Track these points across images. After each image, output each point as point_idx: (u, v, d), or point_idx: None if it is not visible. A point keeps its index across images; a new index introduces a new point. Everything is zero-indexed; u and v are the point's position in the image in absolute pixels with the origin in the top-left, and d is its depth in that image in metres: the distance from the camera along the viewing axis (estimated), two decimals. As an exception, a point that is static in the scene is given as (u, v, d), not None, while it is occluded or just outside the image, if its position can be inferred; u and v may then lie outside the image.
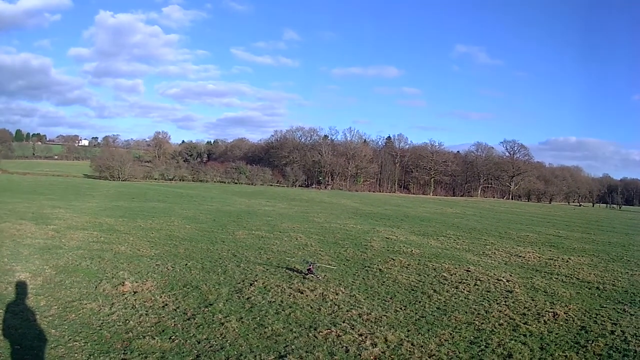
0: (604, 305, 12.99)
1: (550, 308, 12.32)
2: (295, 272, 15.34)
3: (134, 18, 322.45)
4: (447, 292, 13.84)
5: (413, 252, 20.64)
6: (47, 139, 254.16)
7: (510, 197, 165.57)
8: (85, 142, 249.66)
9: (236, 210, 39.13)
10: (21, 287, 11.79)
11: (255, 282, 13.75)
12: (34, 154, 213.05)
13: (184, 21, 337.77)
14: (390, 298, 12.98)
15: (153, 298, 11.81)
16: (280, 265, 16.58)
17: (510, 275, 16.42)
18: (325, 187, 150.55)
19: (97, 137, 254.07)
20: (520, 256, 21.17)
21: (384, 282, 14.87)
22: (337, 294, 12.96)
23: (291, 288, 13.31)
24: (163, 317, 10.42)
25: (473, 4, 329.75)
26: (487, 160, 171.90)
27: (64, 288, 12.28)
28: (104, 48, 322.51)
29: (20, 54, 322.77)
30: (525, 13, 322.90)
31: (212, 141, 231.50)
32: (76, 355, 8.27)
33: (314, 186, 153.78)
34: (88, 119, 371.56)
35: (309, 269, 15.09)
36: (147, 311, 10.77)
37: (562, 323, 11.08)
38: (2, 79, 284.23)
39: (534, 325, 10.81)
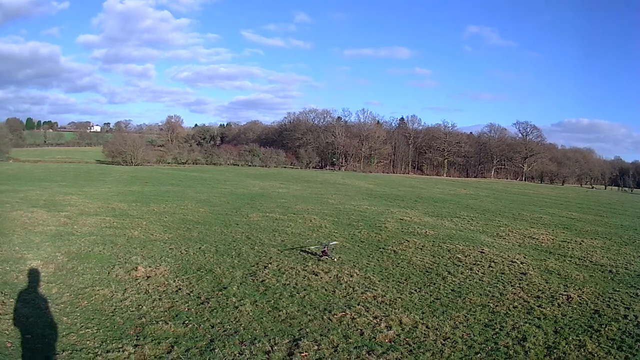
0: (617, 289, 12.87)
1: (564, 291, 12.24)
2: (310, 254, 15.35)
3: (143, 3, 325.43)
4: (461, 274, 13.82)
5: (427, 233, 20.58)
6: (59, 126, 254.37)
7: (524, 178, 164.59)
8: (97, 128, 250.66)
9: (250, 193, 39.17)
10: (32, 275, 11.79)
11: (270, 265, 13.77)
12: (45, 142, 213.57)
13: (193, 5, 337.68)
14: (405, 280, 12.95)
15: (166, 282, 11.81)
16: (294, 247, 16.58)
17: (524, 257, 16.35)
18: (339, 169, 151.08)
19: (109, 123, 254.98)
20: (534, 238, 21.06)
21: (398, 263, 14.85)
22: (351, 276, 12.95)
23: (305, 270, 13.32)
24: (176, 301, 10.42)
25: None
26: (500, 142, 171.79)
27: (76, 275, 12.27)
28: (113, 34, 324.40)
29: (28, 42, 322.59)
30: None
31: (225, 124, 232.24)
32: (88, 342, 8.25)
33: (327, 168, 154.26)
34: (99, 106, 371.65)
35: (323, 251, 15.10)
36: (160, 296, 10.76)
37: (575, 306, 10.99)
38: (11, 68, 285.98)
39: (548, 309, 10.75)
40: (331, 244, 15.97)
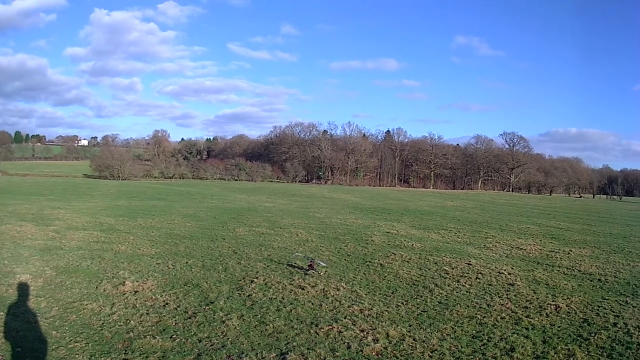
0: (606, 297, 12.94)
1: (552, 301, 12.28)
2: (296, 269, 15.36)
3: (130, 16, 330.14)
4: (448, 286, 13.83)
5: (414, 246, 20.63)
6: (47, 140, 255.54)
7: (511, 189, 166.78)
8: (84, 142, 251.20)
9: (236, 207, 39.18)
10: (22, 289, 11.76)
11: (256, 279, 13.73)
12: (33, 155, 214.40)
13: (180, 17, 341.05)
14: (392, 293, 12.93)
15: (154, 297, 11.78)
16: (281, 261, 16.55)
17: (512, 268, 16.40)
18: (325, 182, 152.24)
19: (96, 137, 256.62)
20: (521, 249, 21.16)
21: (385, 277, 14.84)
22: (338, 290, 12.94)
23: (292, 284, 13.30)
24: (164, 316, 10.39)
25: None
26: (487, 153, 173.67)
27: (65, 289, 12.25)
28: (100, 47, 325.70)
29: (16, 54, 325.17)
30: (526, 3, 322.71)
31: (212, 138, 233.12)
32: (77, 356, 8.24)
33: (314, 181, 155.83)
34: (87, 119, 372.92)
35: (309, 265, 15.11)
36: (147, 310, 10.73)
37: (564, 316, 11.04)
38: None
39: (536, 319, 10.77)
40: (321, 264, 15.97)
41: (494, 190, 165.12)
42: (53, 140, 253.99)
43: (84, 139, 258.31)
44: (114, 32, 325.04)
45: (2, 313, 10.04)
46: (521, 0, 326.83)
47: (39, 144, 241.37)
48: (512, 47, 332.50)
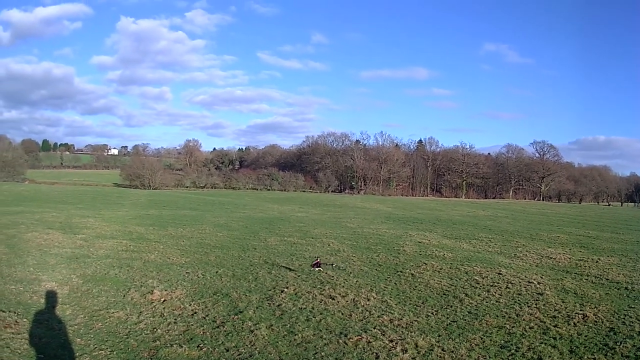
0: (632, 306, 12.78)
1: (580, 310, 12.15)
2: (290, 270, 15.46)
3: (157, 24, 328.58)
4: (478, 295, 13.71)
5: (445, 255, 20.45)
6: (75, 149, 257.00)
7: (541, 198, 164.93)
8: (114, 151, 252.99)
9: (268, 217, 39.03)
10: (47, 296, 11.85)
11: (286, 289, 13.66)
12: (62, 164, 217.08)
13: (208, 26, 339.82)
14: (422, 303, 12.83)
15: (182, 306, 11.78)
16: (312, 271, 16.37)
17: (541, 277, 16.22)
18: (358, 192, 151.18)
19: (126, 146, 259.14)
20: (551, 257, 20.91)
21: (416, 286, 14.71)
22: (368, 300, 12.85)
23: (322, 294, 13.23)
24: (192, 325, 10.40)
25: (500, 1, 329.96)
26: (518, 162, 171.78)
27: (91, 297, 12.29)
28: (128, 55, 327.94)
29: (41, 63, 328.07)
30: (554, 10, 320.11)
31: (244, 148, 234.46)
32: (101, 364, 8.29)
33: (346, 191, 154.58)
34: (116, 128, 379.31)
35: (316, 263, 15.09)
36: (175, 319, 10.75)
37: (591, 325, 10.93)
38: (24, 89, 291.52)
39: (564, 328, 10.67)
40: (335, 265, 15.87)
41: (525, 199, 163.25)
42: (82, 149, 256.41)
43: (114, 148, 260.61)
44: (142, 41, 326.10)
45: (25, 320, 10.10)
46: (550, 7, 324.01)
47: (67, 152, 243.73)
48: (540, 55, 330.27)
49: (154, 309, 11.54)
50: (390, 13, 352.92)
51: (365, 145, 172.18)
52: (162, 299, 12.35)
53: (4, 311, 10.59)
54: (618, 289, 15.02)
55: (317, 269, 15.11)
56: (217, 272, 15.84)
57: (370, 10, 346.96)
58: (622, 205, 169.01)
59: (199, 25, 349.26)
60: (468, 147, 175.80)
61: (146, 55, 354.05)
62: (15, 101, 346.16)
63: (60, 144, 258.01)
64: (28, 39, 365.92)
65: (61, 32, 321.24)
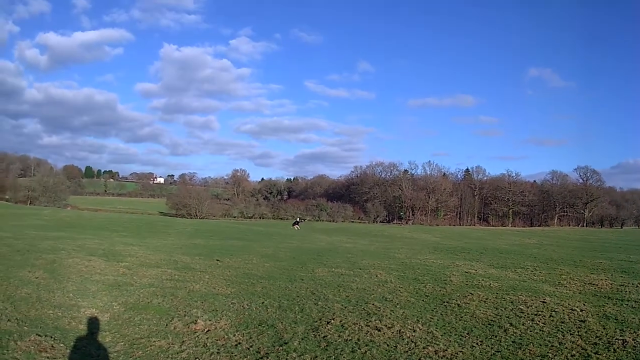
0: (672, 329, 12.73)
1: (620, 335, 12.09)
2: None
3: (201, 51, 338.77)
4: (522, 325, 13.60)
5: (491, 285, 20.24)
6: (120, 176, 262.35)
7: (585, 224, 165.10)
8: (160, 180, 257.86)
9: (317, 248, 39.10)
10: (86, 323, 12.04)
11: (333, 320, 13.63)
12: (105, 191, 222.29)
13: (253, 54, 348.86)
14: (467, 333, 12.79)
15: (226, 336, 11.83)
16: (358, 302, 16.39)
17: (584, 305, 16.03)
18: (407, 223, 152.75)
19: (172, 175, 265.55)
20: (593, 284, 20.64)
21: (461, 317, 14.62)
22: (414, 331, 12.81)
23: (369, 326, 13.17)
24: (235, 355, 10.50)
25: (541, 24, 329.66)
26: (562, 188, 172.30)
27: (133, 325, 12.44)
28: (172, 83, 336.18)
29: (82, 89, 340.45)
30: (592, 32, 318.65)
31: (292, 178, 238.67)
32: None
33: (395, 222, 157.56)
34: (161, 157, 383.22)
35: (296, 221, 15.08)
36: (218, 349, 10.83)
37: (630, 350, 10.93)
38: (65, 114, 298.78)
39: (604, 355, 10.65)
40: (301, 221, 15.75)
41: (569, 225, 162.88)
42: (127, 177, 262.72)
43: (160, 176, 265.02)
44: (186, 68, 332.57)
45: (62, 345, 10.31)
46: (588, 30, 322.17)
47: (111, 180, 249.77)
48: (582, 77, 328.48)
49: (197, 338, 11.63)
50: (435, 41, 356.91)
51: (413, 174, 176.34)
52: (206, 329, 12.41)
53: (40, 335, 10.79)
54: (658, 313, 15.00)
55: (296, 227, 15.15)
56: (262, 302, 15.83)
57: (416, 38, 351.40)
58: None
59: (244, 53, 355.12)
60: (514, 174, 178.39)
61: (191, 83, 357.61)
62: (57, 126, 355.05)
63: (105, 171, 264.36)
64: (68, 64, 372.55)
65: (102, 58, 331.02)
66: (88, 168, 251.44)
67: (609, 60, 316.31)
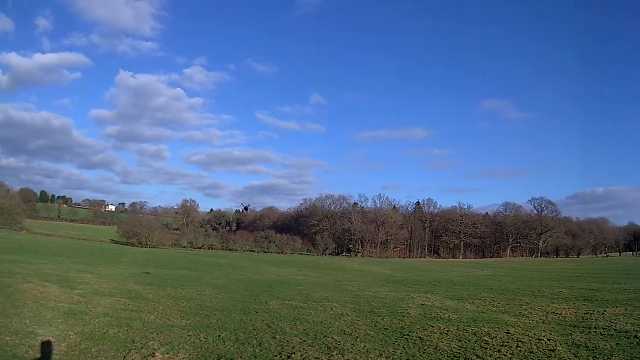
0: (644, 354, 12.68)
1: (594, 363, 11.96)
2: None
3: (156, 79, 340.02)
4: (490, 356, 13.54)
5: (450, 317, 20.21)
6: (73, 202, 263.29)
7: (539, 254, 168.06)
8: (112, 207, 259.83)
9: (268, 280, 38.97)
10: (44, 351, 11.74)
11: (293, 355, 13.40)
12: (59, 216, 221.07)
13: (207, 83, 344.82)
14: (434, 367, 12.54)
15: (185, 371, 11.37)
16: (317, 336, 16.16)
17: (550, 334, 16.10)
18: (356, 255, 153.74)
19: (124, 203, 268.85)
20: (556, 313, 20.84)
21: (424, 350, 14.43)
22: (379, 366, 12.51)
23: (331, 360, 12.97)
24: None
25: (496, 55, 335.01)
26: (516, 220, 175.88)
27: (90, 356, 12.11)
28: (126, 110, 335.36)
29: (40, 112, 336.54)
30: (553, 62, 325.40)
31: (241, 210, 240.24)
32: None
33: (344, 254, 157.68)
34: (113, 184, 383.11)
35: None
36: (178, 385, 10.37)
37: (605, 377, 10.82)
38: (22, 137, 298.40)
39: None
40: None
41: (523, 256, 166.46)
42: (80, 203, 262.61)
43: (112, 204, 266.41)
44: (140, 96, 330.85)
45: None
46: (547, 61, 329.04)
47: (65, 205, 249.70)
48: (539, 108, 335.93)
49: (156, 373, 11.19)
50: (388, 73, 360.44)
51: (363, 207, 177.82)
52: (164, 363, 12.08)
53: (-2, 363, 10.37)
54: (628, 338, 15.08)
55: None
56: (219, 335, 15.57)
57: (368, 71, 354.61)
58: (620, 255, 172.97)
59: (198, 82, 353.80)
60: (466, 207, 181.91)
61: (145, 111, 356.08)
62: (14, 148, 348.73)
63: (58, 196, 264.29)
64: (27, 86, 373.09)
65: (60, 81, 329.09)
66: (43, 192, 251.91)
67: (567, 91, 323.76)
